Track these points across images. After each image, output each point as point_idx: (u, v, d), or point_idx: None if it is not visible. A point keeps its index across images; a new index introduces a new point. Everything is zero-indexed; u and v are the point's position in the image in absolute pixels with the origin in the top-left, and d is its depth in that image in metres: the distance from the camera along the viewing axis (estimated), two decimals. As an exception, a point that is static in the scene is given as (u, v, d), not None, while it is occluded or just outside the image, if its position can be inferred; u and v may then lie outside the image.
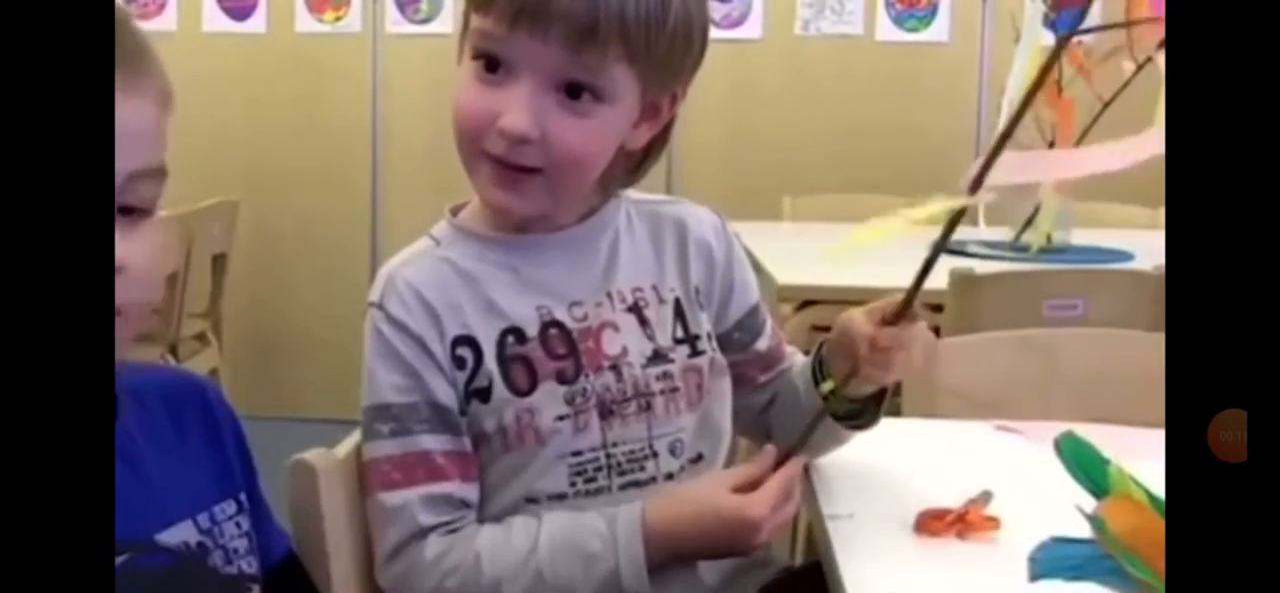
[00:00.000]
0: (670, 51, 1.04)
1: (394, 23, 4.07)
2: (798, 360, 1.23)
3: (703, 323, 1.14)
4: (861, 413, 1.15)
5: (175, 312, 3.23)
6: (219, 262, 3.65)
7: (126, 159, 0.72)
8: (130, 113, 0.73)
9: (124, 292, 0.74)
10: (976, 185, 0.88)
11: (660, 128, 1.12)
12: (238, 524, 0.92)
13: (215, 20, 4.12)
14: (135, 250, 0.76)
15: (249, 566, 0.92)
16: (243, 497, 0.94)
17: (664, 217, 1.17)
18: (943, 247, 0.98)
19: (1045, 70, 0.88)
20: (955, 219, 0.94)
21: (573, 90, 1.01)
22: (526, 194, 1.04)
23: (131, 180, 0.75)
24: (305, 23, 4.12)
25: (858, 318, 1.08)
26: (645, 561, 1.03)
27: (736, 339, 1.19)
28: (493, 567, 1.03)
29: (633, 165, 1.12)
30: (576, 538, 1.04)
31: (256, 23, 4.13)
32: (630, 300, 1.11)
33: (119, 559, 0.81)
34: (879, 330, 1.06)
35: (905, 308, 1.05)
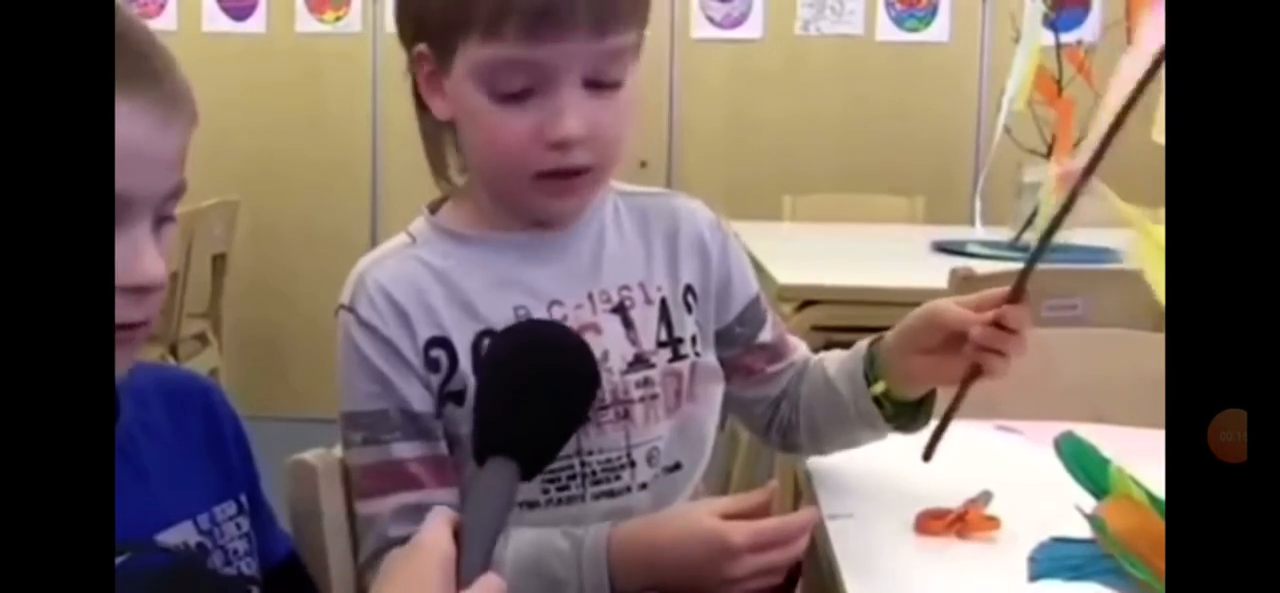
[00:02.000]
0: (649, 6, 1.04)
1: (394, 23, 4.07)
2: (827, 358, 1.20)
3: (688, 325, 1.10)
4: (906, 414, 1.14)
5: (175, 312, 3.23)
6: (219, 262, 3.65)
7: (165, 181, 0.78)
8: (170, 143, 0.77)
9: (154, 306, 0.79)
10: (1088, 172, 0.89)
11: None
12: (238, 525, 0.92)
13: (215, 20, 4.13)
14: (163, 264, 0.79)
15: (249, 567, 0.92)
16: (243, 498, 0.94)
17: (653, 210, 1.12)
18: (1053, 232, 0.99)
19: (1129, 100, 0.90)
20: (1066, 208, 0.95)
21: (601, 74, 0.98)
22: (580, 192, 1.03)
23: (165, 199, 0.79)
24: (305, 23, 4.12)
25: (955, 308, 1.07)
26: (610, 587, 0.99)
27: (739, 333, 1.16)
28: None
29: None
30: (541, 560, 1.00)
31: (256, 23, 4.13)
32: (616, 300, 1.07)
33: (119, 559, 0.81)
34: (1006, 310, 1.04)
35: (1020, 287, 1.04)
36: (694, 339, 1.10)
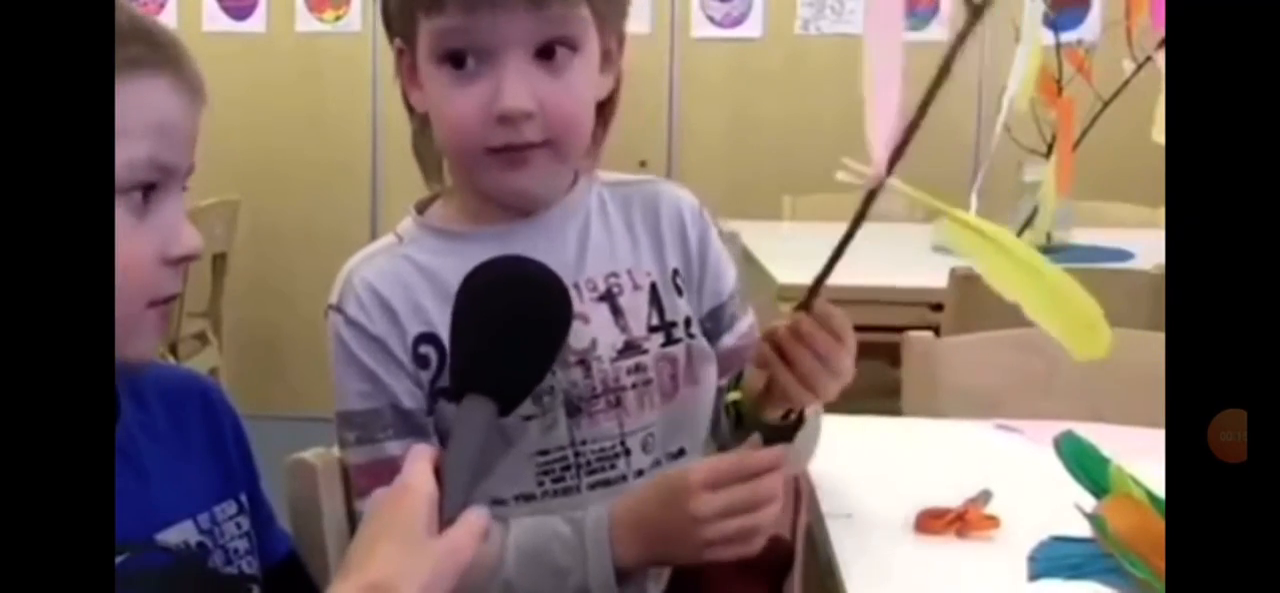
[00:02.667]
0: None
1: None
2: None
3: (680, 308, 1.09)
4: (758, 430, 1.03)
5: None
6: (219, 261, 3.65)
7: (190, 157, 0.83)
8: (194, 120, 0.82)
9: (184, 277, 0.85)
10: (891, 167, 0.87)
11: (614, 79, 1.07)
12: (238, 525, 0.92)
13: (215, 20, 4.12)
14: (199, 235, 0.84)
15: (249, 566, 0.92)
16: (243, 497, 0.94)
17: (637, 198, 1.12)
18: (851, 235, 0.91)
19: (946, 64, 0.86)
20: (864, 210, 0.91)
21: (548, 49, 0.98)
22: (537, 168, 1.01)
23: (187, 175, 0.84)
24: (305, 22, 4.12)
25: (778, 323, 0.97)
26: (614, 570, 0.99)
27: (705, 329, 1.12)
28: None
29: (599, 122, 1.07)
30: (543, 549, 1.00)
31: (256, 22, 4.13)
32: (603, 288, 1.06)
33: (119, 559, 0.81)
34: (799, 319, 0.94)
35: (810, 298, 0.95)
36: (687, 321, 1.09)
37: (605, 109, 1.08)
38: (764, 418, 1.01)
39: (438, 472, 0.79)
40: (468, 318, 0.87)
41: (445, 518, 0.77)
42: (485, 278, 0.88)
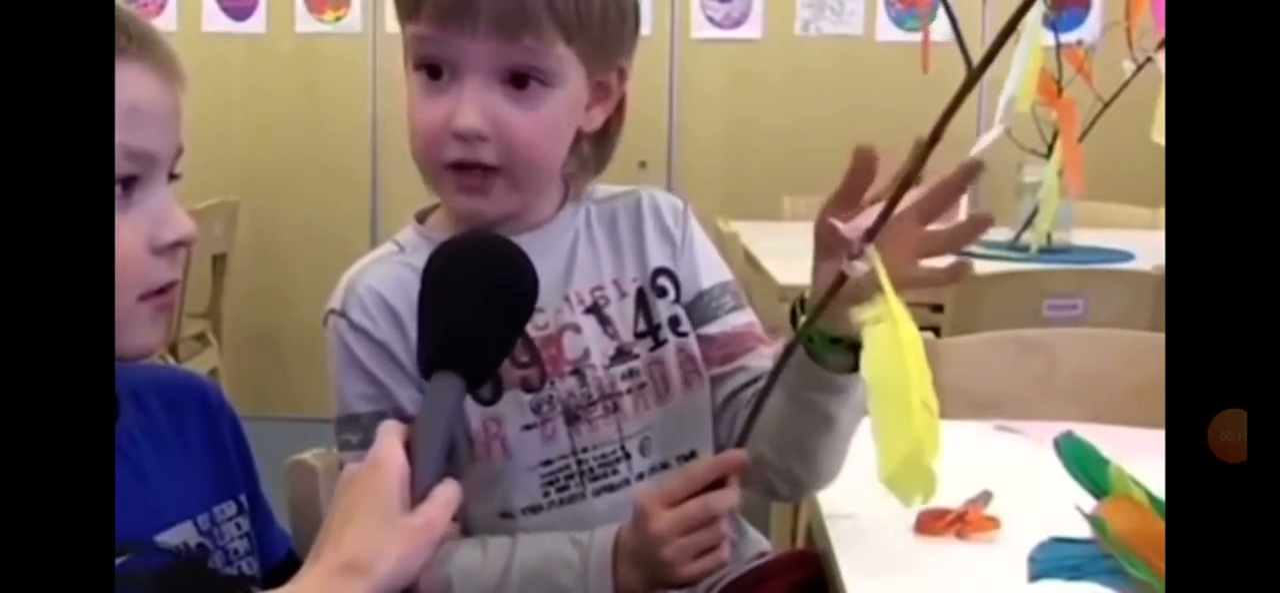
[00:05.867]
0: (604, 25, 1.02)
1: (394, 23, 4.05)
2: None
3: (662, 310, 1.10)
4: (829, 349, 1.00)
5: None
6: (219, 262, 3.65)
7: (175, 138, 0.83)
8: (173, 99, 0.82)
9: (182, 264, 0.84)
10: (871, 236, 0.85)
11: (613, 107, 1.08)
12: (238, 525, 0.92)
13: (215, 20, 4.12)
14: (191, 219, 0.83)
15: (249, 567, 0.92)
16: (243, 498, 0.94)
17: (621, 209, 1.13)
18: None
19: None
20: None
21: (518, 79, 0.99)
22: (492, 195, 1.02)
23: (175, 157, 0.83)
24: (305, 23, 4.12)
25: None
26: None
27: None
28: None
29: (594, 148, 1.09)
30: (547, 571, 1.01)
31: (256, 23, 4.13)
32: (589, 301, 1.08)
33: (119, 560, 0.81)
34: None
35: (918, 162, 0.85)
36: (674, 320, 1.10)
37: (602, 139, 1.09)
38: (835, 332, 0.97)
39: (407, 448, 0.80)
40: (435, 298, 0.88)
41: (417, 494, 0.78)
42: (450, 256, 0.89)
